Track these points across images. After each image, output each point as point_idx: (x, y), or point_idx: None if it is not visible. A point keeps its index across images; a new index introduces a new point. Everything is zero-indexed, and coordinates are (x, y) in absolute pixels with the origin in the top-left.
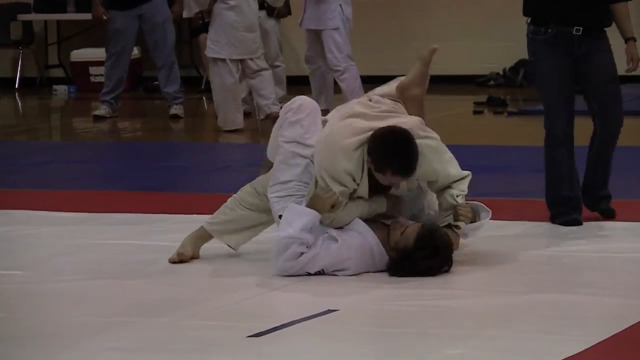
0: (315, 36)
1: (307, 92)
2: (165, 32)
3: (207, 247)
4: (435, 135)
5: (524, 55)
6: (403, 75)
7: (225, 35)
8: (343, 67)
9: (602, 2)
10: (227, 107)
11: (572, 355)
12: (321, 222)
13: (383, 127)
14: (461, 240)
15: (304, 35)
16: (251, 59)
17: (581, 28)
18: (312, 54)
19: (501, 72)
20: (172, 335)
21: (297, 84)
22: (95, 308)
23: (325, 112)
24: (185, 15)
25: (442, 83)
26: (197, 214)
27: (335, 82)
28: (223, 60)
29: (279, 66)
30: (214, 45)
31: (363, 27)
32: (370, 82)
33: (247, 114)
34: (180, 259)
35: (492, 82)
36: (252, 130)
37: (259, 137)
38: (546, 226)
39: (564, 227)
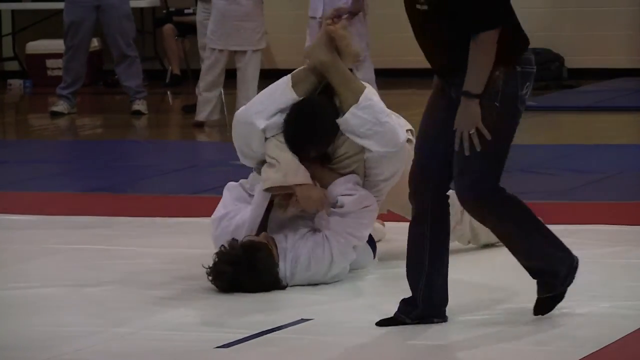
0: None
1: None
2: (125, 24)
3: (172, 252)
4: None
5: None
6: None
7: (221, 25)
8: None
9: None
10: (201, 96)
11: None
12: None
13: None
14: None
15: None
16: (245, 52)
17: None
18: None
19: None
20: (135, 347)
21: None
22: (52, 317)
23: None
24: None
25: (422, 77)
26: (159, 216)
27: None
28: (218, 50)
29: None
30: (212, 36)
31: None
32: None
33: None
34: None
35: None
36: (220, 127)
37: (227, 136)
38: None
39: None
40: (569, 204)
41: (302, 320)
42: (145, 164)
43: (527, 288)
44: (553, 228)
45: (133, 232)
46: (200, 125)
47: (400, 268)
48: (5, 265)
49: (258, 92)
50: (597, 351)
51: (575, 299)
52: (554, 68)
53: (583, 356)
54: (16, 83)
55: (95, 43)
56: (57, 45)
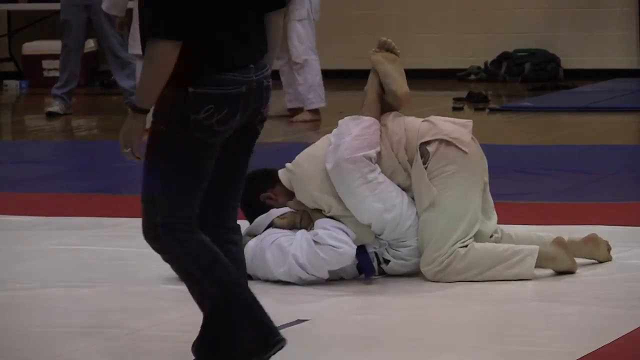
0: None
1: (274, 87)
2: (115, 24)
3: None
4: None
5: (507, 47)
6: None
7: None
8: (303, 59)
9: None
10: None
11: None
12: None
13: None
14: None
15: None
16: None
17: None
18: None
19: (482, 66)
20: (132, 348)
21: None
22: (49, 318)
23: (299, 109)
24: None
25: (419, 77)
26: None
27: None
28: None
29: None
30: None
31: (333, 18)
32: (340, 76)
33: None
34: None
35: (472, 77)
36: None
37: None
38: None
39: (554, 230)
40: (565, 205)
41: (299, 321)
42: (142, 165)
43: (515, 288)
44: (550, 229)
45: (130, 233)
46: None
47: None
48: (2, 266)
49: None
50: (595, 351)
51: (574, 299)
52: (550, 69)
53: (581, 356)
54: (12, 84)
55: (91, 44)
56: (53, 46)
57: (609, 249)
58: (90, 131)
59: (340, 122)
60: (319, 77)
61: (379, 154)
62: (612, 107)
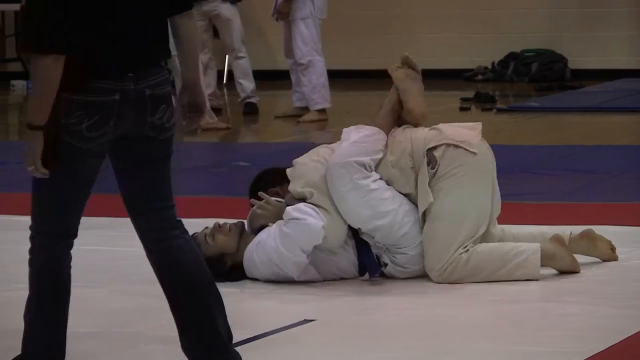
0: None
1: (281, 87)
2: None
3: None
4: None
5: (514, 47)
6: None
7: None
8: (307, 60)
9: None
10: None
11: None
12: None
13: None
14: None
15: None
16: None
17: None
18: (288, 46)
19: (490, 66)
20: (132, 348)
21: (270, 79)
22: None
23: (304, 109)
24: None
25: (426, 77)
26: None
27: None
28: None
29: (243, 57)
30: None
31: (338, 17)
32: (345, 77)
33: (217, 110)
34: None
35: (480, 77)
36: (222, 129)
37: (229, 137)
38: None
39: (559, 230)
40: (571, 205)
41: (306, 321)
42: None
43: (520, 288)
44: (556, 229)
45: (130, 233)
46: None
47: None
48: (4, 266)
49: None
50: (598, 353)
51: (578, 299)
52: (557, 69)
53: (587, 357)
54: (19, 84)
55: None
56: None
57: (613, 249)
58: None
59: (343, 130)
60: (323, 78)
61: (379, 161)
62: (618, 107)
